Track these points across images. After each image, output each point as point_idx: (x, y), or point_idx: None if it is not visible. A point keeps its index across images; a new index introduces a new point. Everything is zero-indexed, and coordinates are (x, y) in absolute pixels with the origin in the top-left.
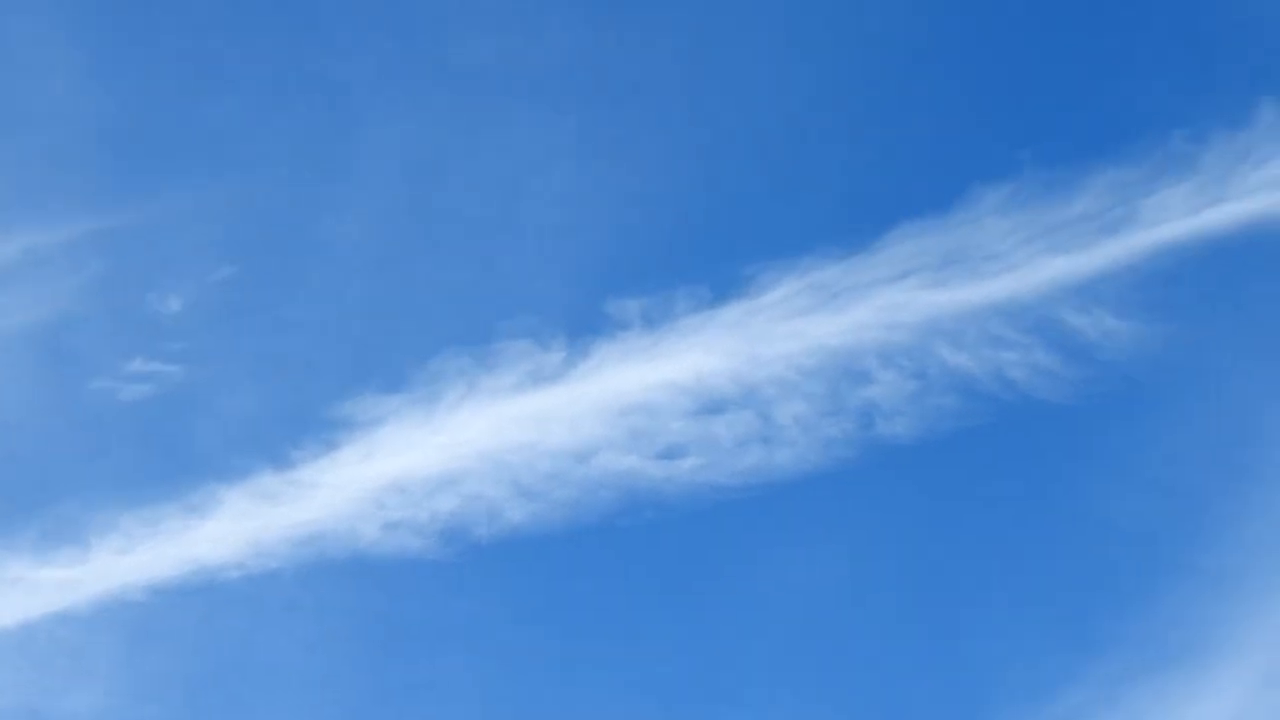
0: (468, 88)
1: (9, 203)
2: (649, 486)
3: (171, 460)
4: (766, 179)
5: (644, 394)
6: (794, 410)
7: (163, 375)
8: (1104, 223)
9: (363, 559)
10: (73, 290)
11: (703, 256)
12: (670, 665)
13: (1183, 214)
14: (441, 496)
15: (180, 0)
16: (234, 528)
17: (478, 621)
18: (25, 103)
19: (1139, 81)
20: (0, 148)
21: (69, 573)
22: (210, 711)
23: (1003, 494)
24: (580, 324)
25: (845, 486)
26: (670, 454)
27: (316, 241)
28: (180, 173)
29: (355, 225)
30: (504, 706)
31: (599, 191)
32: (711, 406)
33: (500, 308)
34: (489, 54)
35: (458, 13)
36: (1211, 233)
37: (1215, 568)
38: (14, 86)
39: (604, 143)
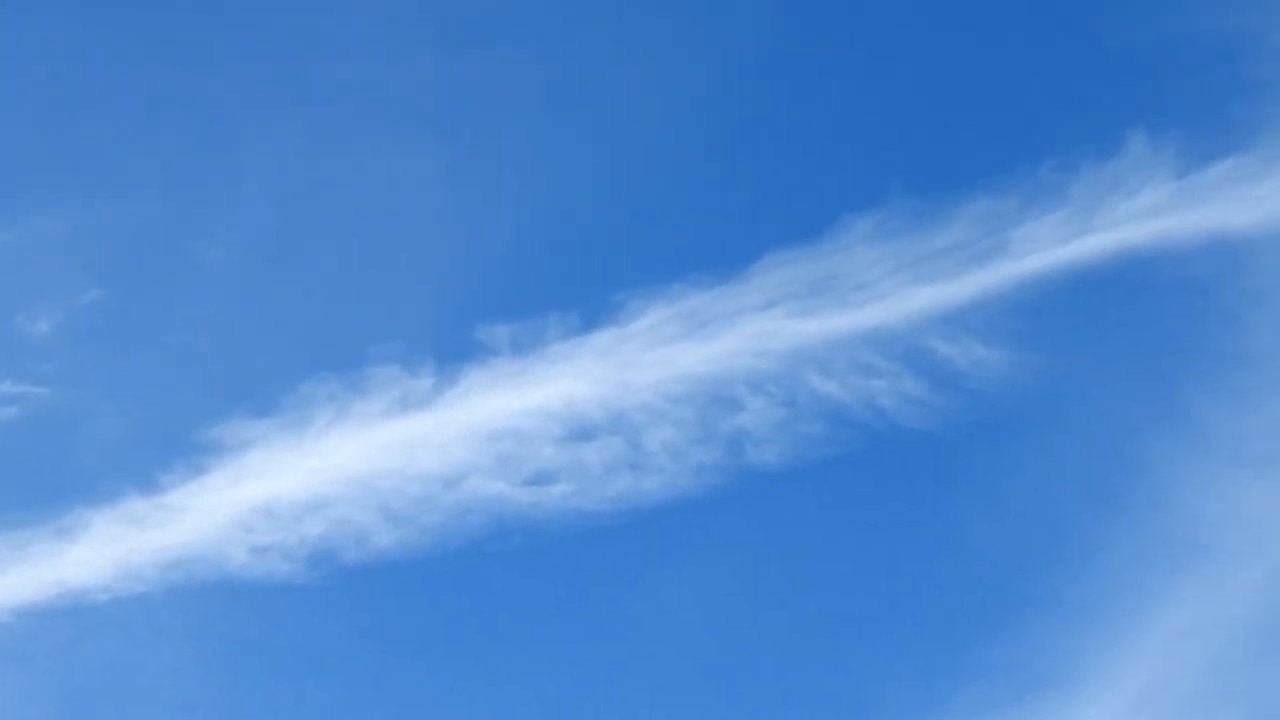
0: (340, 112)
1: None
2: (517, 512)
3: (39, 483)
4: (637, 207)
5: (513, 420)
6: (663, 437)
7: (31, 397)
8: (973, 252)
9: (231, 583)
10: None
11: (572, 284)
12: (538, 690)
13: (1051, 244)
14: (310, 521)
15: (49, 20)
16: (102, 551)
17: (345, 646)
18: None
19: (1009, 112)
20: None
21: None
22: None
23: (871, 521)
24: (450, 350)
25: (714, 513)
26: (539, 480)
27: (186, 264)
28: (49, 194)
29: (225, 248)
30: None
31: (470, 217)
32: (581, 433)
33: (370, 333)
34: (362, 78)
35: (330, 37)
36: (1080, 263)
37: (1081, 596)
38: None
39: (476, 169)
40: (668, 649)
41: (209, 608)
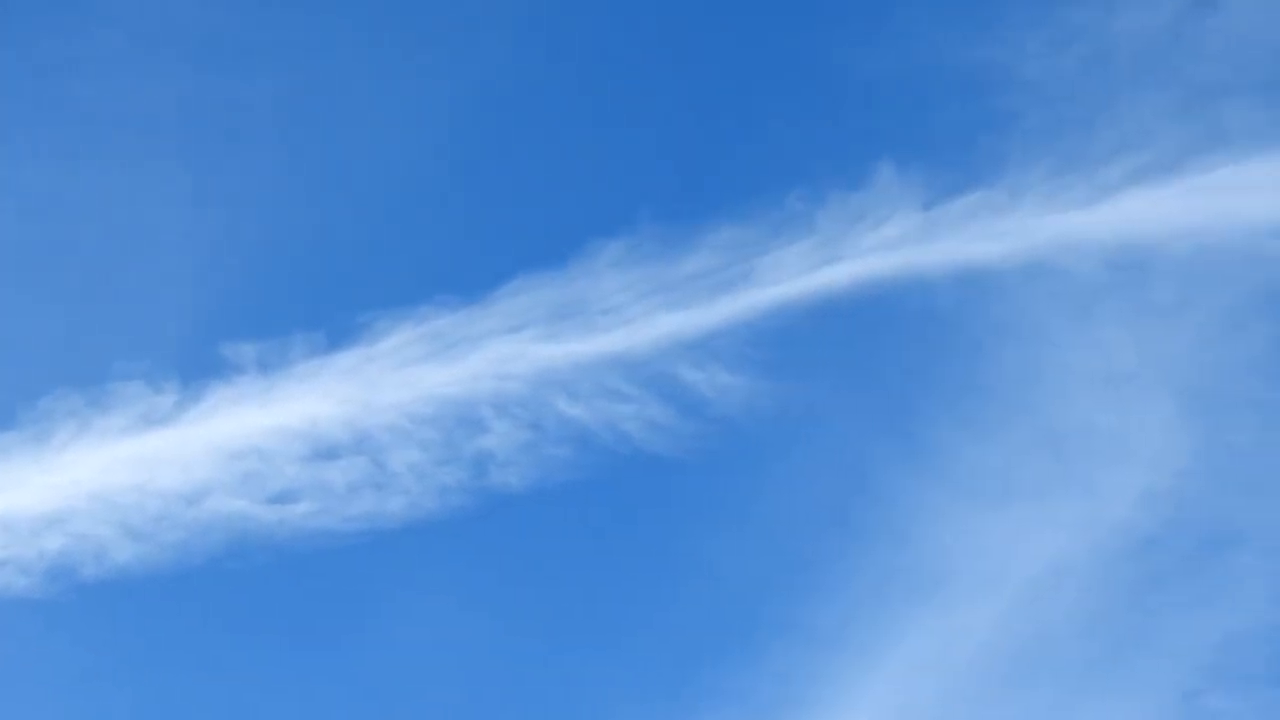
0: (87, 129)
1: None
2: (260, 530)
3: None
4: (384, 228)
5: (257, 438)
6: (408, 458)
7: None
8: (720, 280)
9: None
10: None
11: (319, 303)
12: (279, 709)
13: (797, 273)
14: (49, 535)
15: None
16: None
17: (83, 661)
18: None
19: (757, 140)
20: None
21: None
22: None
23: (614, 545)
24: (195, 367)
25: (458, 534)
26: (282, 498)
27: None
28: None
29: None
30: None
31: (216, 236)
32: (325, 452)
33: (113, 349)
34: (108, 96)
35: (76, 55)
36: (825, 292)
37: (819, 623)
38: None
39: (222, 187)
40: (409, 669)
41: None
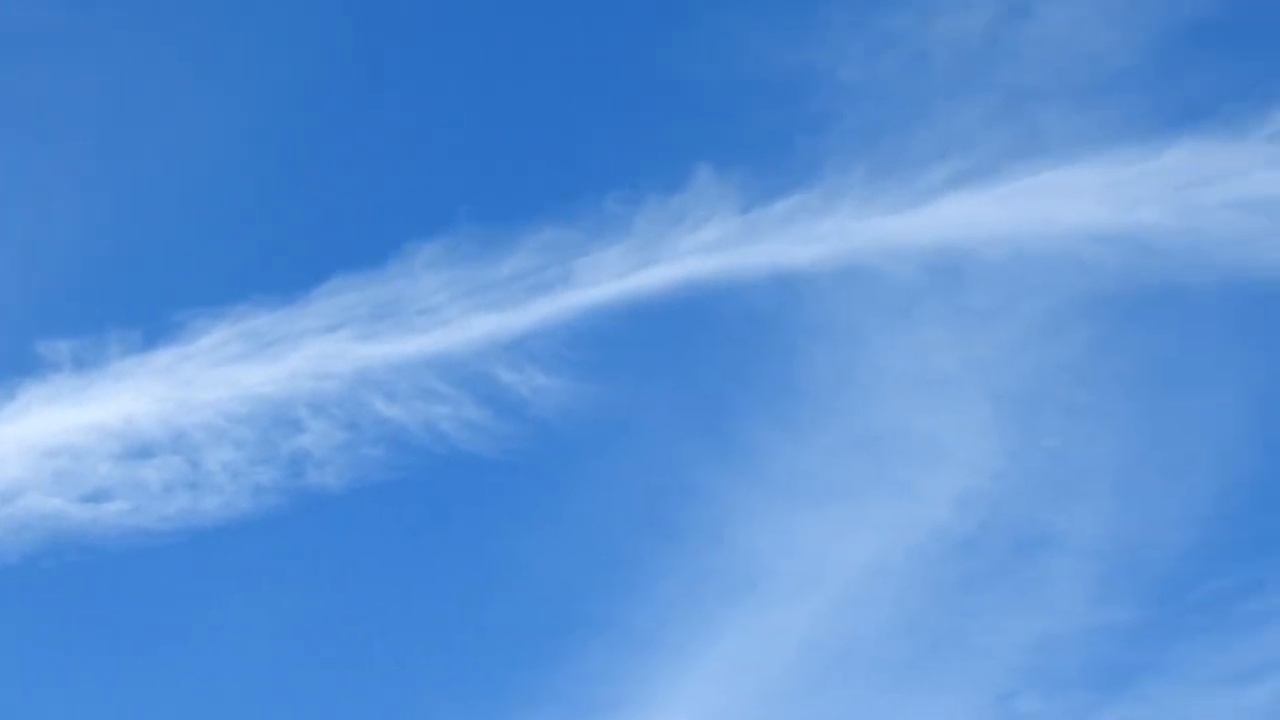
0: None
1: None
2: (74, 529)
3: None
4: (201, 226)
5: (71, 436)
6: (224, 457)
7: None
8: (538, 281)
9: None
10: None
11: (135, 301)
12: (91, 709)
13: (615, 275)
14: None
15: None
16: None
17: None
18: None
19: (576, 142)
20: None
21: None
22: None
23: (430, 545)
24: (8, 364)
25: (274, 534)
26: (96, 497)
27: None
28: None
29: None
30: None
31: (29, 231)
32: (140, 451)
33: None
34: None
35: None
36: (643, 294)
37: (637, 624)
38: None
39: (36, 181)
40: (224, 669)
41: None
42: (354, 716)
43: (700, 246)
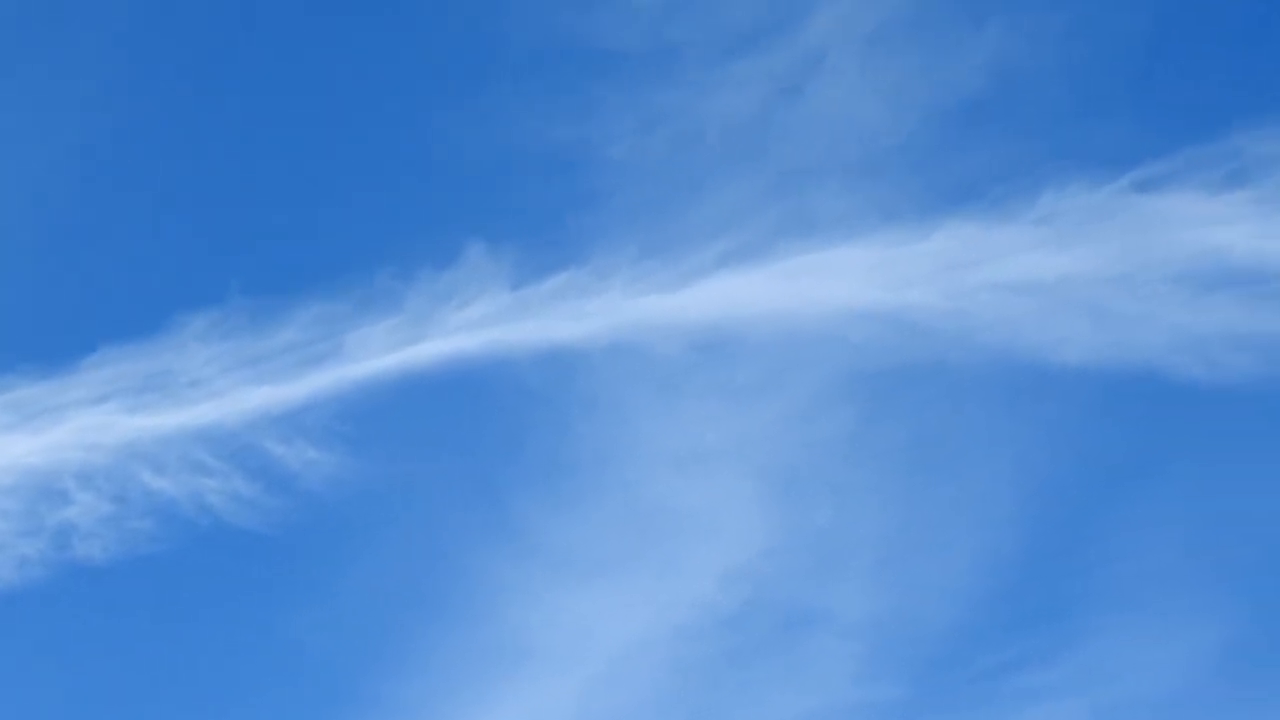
0: None
1: None
2: None
3: None
4: None
5: None
6: None
7: None
8: (308, 354)
9: None
10: None
11: None
12: None
13: (386, 350)
14: None
15: None
16: None
17: None
18: None
19: (347, 217)
20: None
21: None
22: None
23: (198, 619)
24: None
25: (38, 606)
26: None
27: None
28: None
29: None
30: None
31: None
32: None
33: None
34: None
35: None
36: (414, 369)
37: (406, 699)
38: None
39: None
40: None
41: None
42: None
43: (471, 322)
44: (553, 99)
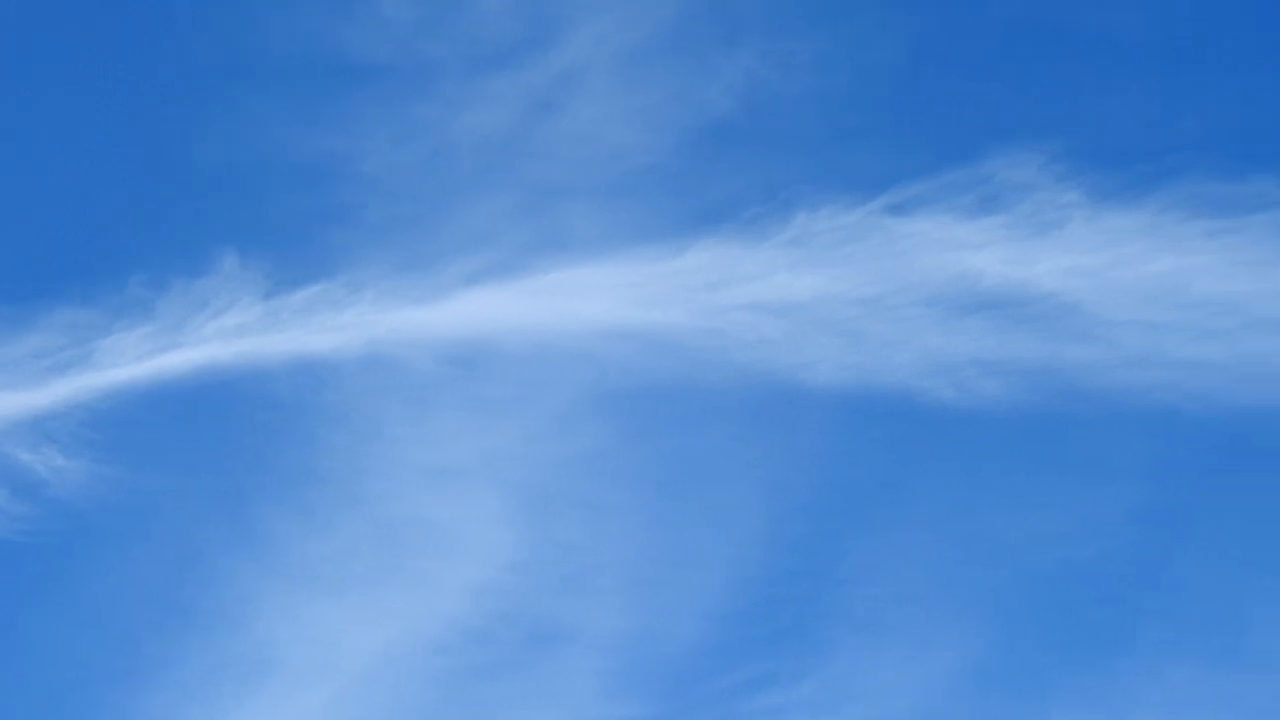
0: None
1: None
2: None
3: None
4: None
5: None
6: None
7: None
8: (57, 361)
9: None
10: None
11: None
12: None
13: (136, 358)
14: None
15: None
16: None
17: None
18: None
19: (99, 223)
20: None
21: None
22: None
23: None
24: None
25: None
26: None
27: None
28: None
29: None
30: None
31: None
32: None
33: None
34: None
35: None
36: (164, 378)
37: (149, 710)
38: None
39: None
40: None
41: None
42: None
43: (223, 331)
44: (307, 110)
